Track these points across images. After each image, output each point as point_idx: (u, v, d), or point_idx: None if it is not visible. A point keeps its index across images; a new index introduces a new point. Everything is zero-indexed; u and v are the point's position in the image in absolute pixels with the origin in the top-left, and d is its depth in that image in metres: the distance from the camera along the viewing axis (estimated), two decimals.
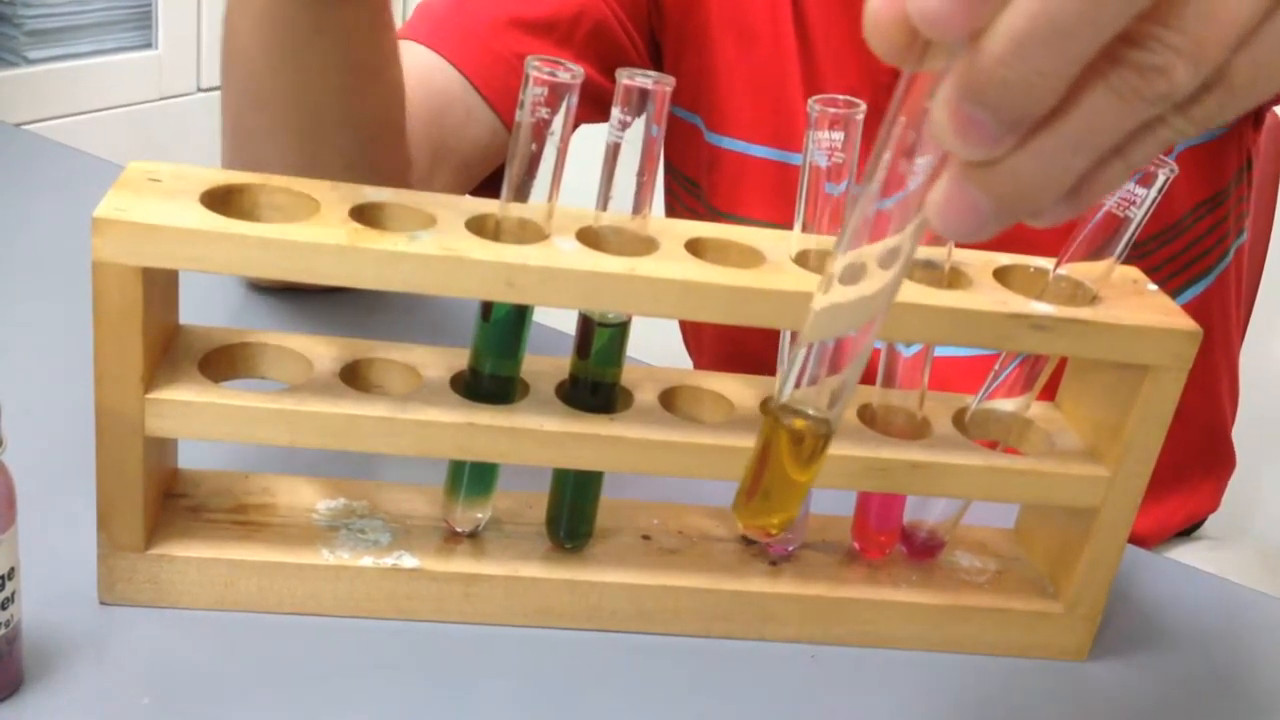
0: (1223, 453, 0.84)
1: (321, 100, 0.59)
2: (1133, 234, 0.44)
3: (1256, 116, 0.73)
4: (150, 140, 1.62)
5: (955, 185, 0.29)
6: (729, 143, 0.74)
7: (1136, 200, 0.43)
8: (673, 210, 0.83)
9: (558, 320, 0.55)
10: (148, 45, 1.62)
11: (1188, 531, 0.85)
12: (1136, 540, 0.57)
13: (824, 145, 0.43)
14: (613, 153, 0.42)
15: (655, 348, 0.68)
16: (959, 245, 0.44)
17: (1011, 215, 0.29)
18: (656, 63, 0.77)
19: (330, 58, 0.58)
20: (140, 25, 1.61)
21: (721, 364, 0.74)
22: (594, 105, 0.61)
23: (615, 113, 0.41)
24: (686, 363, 0.85)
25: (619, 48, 0.74)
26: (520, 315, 0.44)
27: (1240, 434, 0.85)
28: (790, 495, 0.33)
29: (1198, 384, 0.77)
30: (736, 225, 0.46)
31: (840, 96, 0.43)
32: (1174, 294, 0.72)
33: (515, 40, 0.69)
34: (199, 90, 1.66)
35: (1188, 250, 0.72)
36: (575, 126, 0.68)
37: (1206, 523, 0.86)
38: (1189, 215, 0.71)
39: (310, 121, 0.60)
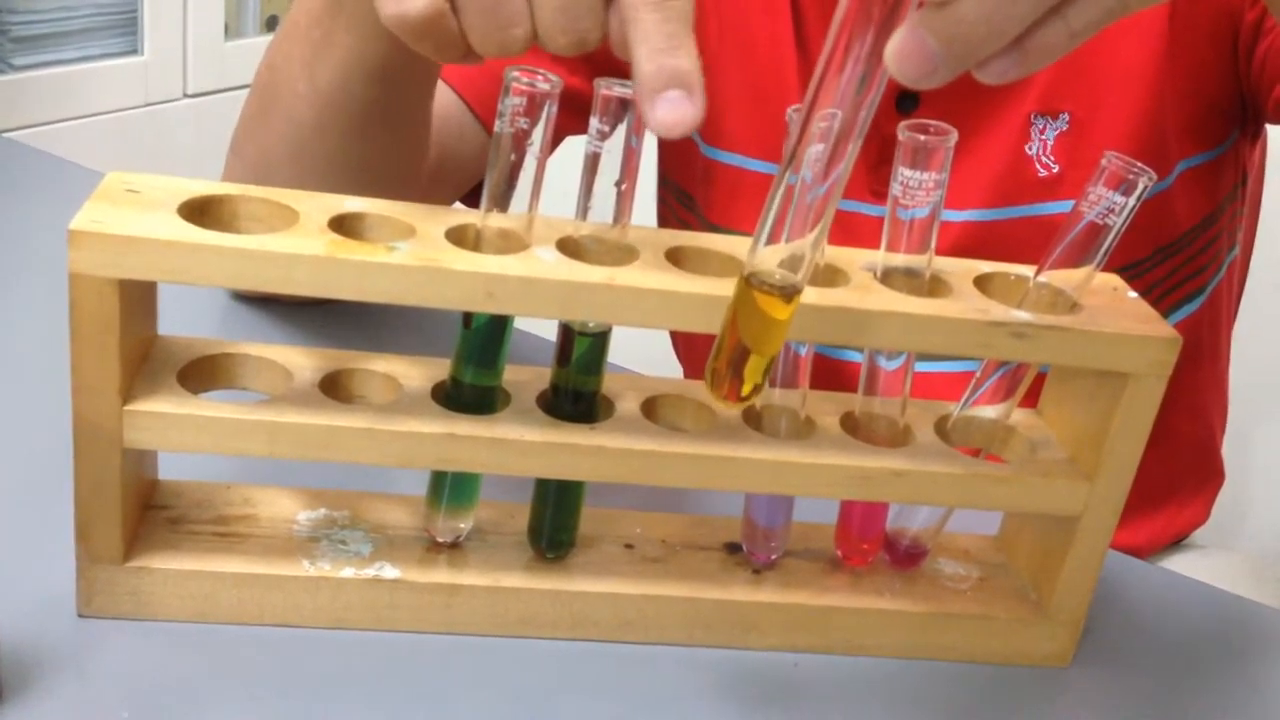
0: (1212, 468, 0.84)
1: (364, 159, 0.59)
2: (1112, 241, 0.44)
3: (1253, 134, 0.73)
4: (136, 147, 1.62)
5: (910, 32, 0.33)
6: (724, 156, 0.74)
7: (1116, 208, 0.43)
8: (665, 223, 0.83)
9: (541, 328, 0.55)
10: (133, 52, 1.61)
11: (1176, 542, 0.85)
12: (1127, 554, 0.57)
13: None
14: (592, 162, 0.42)
15: (642, 355, 0.68)
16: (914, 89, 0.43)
17: (959, 61, 0.33)
18: None
19: (384, 127, 0.59)
20: (126, 32, 1.60)
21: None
22: (575, 114, 0.61)
23: (594, 122, 0.41)
24: (673, 370, 0.85)
25: (614, 61, 0.74)
26: (500, 324, 0.44)
27: (1226, 442, 0.86)
28: (760, 360, 0.38)
29: (1188, 401, 0.77)
30: (720, 236, 0.46)
31: None
32: (1168, 312, 0.72)
33: (511, 58, 0.69)
34: (185, 97, 1.66)
35: (1183, 267, 0.73)
36: (561, 138, 0.68)
37: (1194, 532, 0.86)
38: (1186, 234, 0.71)
39: (345, 176, 0.59)
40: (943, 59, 0.33)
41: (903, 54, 0.33)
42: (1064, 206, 0.67)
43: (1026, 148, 0.68)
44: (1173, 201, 0.69)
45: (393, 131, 0.59)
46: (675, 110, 0.37)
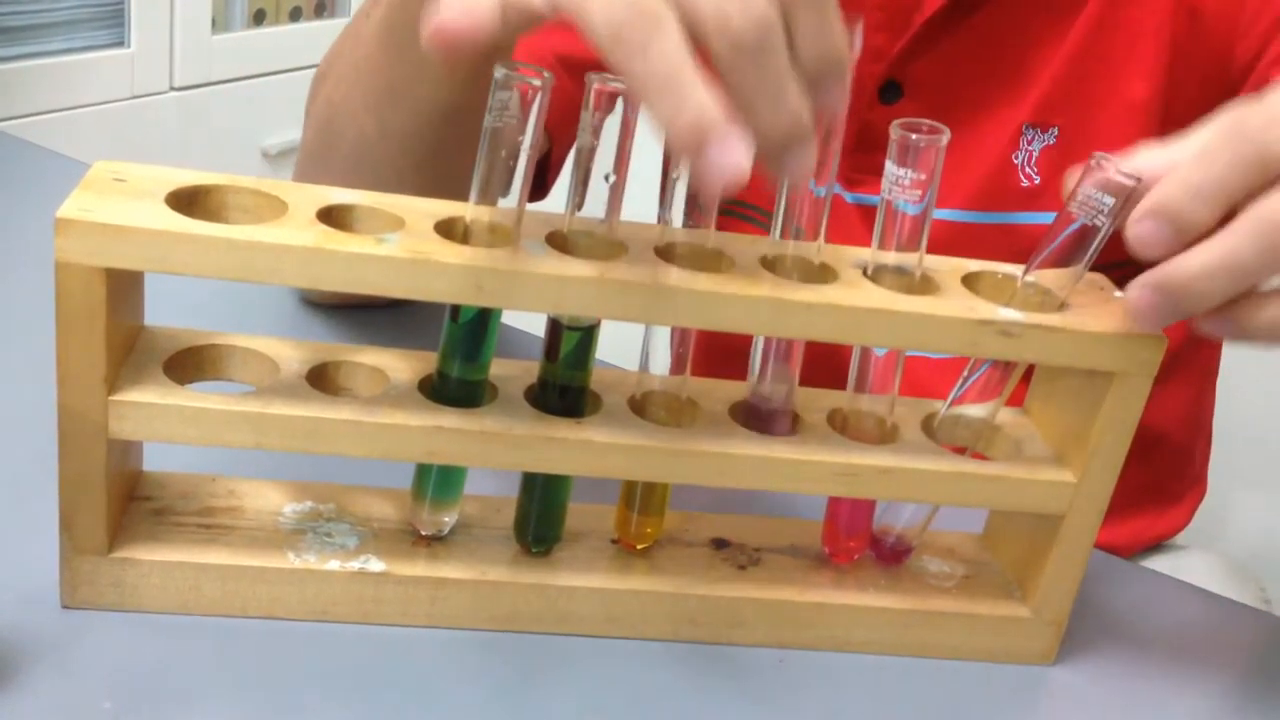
0: (1195, 476, 0.85)
1: (435, 185, 0.58)
2: (1100, 243, 0.44)
3: None
4: (122, 139, 1.61)
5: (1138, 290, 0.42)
6: None
7: (1105, 209, 0.43)
8: None
9: (530, 323, 0.55)
10: (120, 44, 1.60)
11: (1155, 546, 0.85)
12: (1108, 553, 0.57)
13: None
14: (583, 156, 0.42)
15: (631, 351, 0.67)
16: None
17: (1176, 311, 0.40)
18: None
19: (460, 155, 0.58)
20: (112, 23, 1.60)
21: (708, 363, 0.73)
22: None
23: (585, 116, 0.41)
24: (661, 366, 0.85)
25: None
26: (487, 317, 0.44)
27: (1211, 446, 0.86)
28: None
29: (1176, 409, 0.78)
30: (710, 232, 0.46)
31: None
32: None
33: (553, 37, 0.69)
34: (171, 89, 1.65)
35: None
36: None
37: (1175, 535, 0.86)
38: None
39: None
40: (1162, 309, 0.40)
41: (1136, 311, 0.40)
42: (1040, 218, 0.68)
43: (1013, 156, 0.68)
44: None
45: (467, 156, 0.59)
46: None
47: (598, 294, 0.41)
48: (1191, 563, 0.83)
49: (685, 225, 0.44)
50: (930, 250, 0.46)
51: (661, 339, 0.46)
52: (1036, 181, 0.68)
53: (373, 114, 0.57)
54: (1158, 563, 0.81)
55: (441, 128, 0.56)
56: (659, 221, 0.44)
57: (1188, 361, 0.77)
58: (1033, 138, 0.68)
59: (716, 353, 0.72)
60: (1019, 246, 0.68)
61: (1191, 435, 0.82)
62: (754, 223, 0.74)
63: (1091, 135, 0.67)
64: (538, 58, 0.69)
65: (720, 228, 0.44)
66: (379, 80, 0.56)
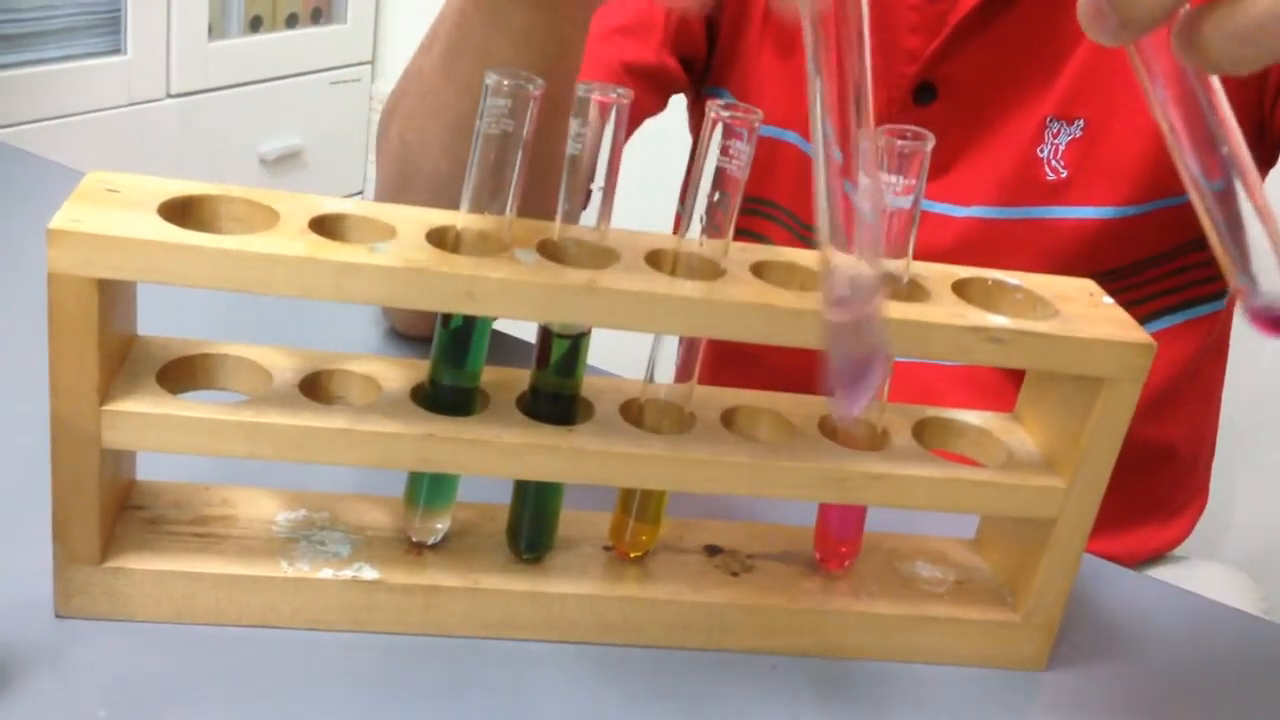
0: (1198, 487, 0.85)
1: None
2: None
3: (1267, 160, 0.73)
4: (118, 147, 1.61)
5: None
6: (763, 128, 0.74)
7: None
8: None
9: (525, 329, 0.55)
10: (117, 51, 1.61)
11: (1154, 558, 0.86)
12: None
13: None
14: (572, 164, 0.42)
15: (622, 358, 0.68)
16: None
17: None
18: (712, 40, 0.78)
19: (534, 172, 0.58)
20: (109, 31, 1.60)
21: (717, 364, 0.74)
22: (660, 93, 0.66)
23: (574, 125, 0.42)
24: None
25: (693, 35, 0.75)
26: (474, 323, 0.44)
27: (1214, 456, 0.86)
28: None
29: (1183, 425, 0.78)
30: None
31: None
32: (1191, 306, 0.73)
33: (619, 48, 0.70)
34: (168, 96, 1.66)
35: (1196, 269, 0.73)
36: (641, 119, 0.69)
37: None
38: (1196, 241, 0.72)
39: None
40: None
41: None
42: (1066, 212, 0.67)
43: (1038, 150, 0.68)
44: (1186, 212, 0.70)
45: (543, 182, 0.59)
46: None
47: (587, 302, 0.42)
48: (1191, 571, 0.83)
49: (703, 234, 0.44)
50: (961, 248, 0.46)
51: (667, 347, 0.46)
52: (1063, 175, 0.67)
53: (447, 151, 0.57)
54: (1158, 572, 0.82)
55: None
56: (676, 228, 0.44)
57: (1196, 380, 0.77)
58: (1058, 130, 0.68)
59: (720, 359, 0.72)
60: (1046, 241, 0.67)
61: (1196, 449, 0.82)
62: (778, 222, 0.74)
63: (1117, 126, 0.67)
64: (605, 66, 0.69)
65: (745, 227, 0.44)
66: (448, 116, 0.56)
